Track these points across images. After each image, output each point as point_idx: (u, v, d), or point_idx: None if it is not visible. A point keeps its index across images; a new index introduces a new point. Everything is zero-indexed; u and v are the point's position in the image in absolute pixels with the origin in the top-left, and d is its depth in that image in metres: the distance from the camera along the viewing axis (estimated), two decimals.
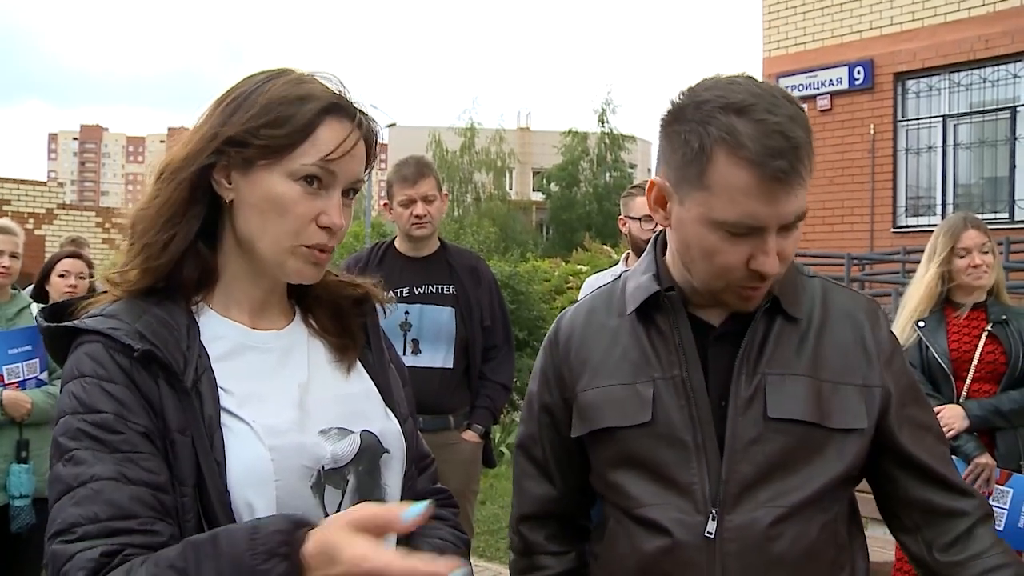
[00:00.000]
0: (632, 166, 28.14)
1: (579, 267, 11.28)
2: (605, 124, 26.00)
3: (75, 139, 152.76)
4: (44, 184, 14.10)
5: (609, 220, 24.54)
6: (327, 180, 0.97)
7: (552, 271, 11.08)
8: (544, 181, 27.59)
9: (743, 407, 1.11)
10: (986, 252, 2.85)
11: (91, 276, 3.59)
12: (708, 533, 1.10)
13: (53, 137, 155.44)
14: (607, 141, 26.16)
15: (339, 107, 0.98)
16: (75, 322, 0.95)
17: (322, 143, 0.95)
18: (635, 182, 3.47)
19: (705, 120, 1.04)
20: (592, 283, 3.24)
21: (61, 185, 15.94)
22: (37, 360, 3.04)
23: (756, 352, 1.13)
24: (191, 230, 0.97)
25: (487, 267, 3.18)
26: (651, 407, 1.14)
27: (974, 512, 1.17)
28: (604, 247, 12.69)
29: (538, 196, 29.42)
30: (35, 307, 3.14)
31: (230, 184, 0.97)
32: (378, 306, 1.14)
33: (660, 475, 1.14)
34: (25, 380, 3.00)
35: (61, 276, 3.51)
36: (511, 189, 29.87)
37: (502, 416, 5.32)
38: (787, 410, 1.10)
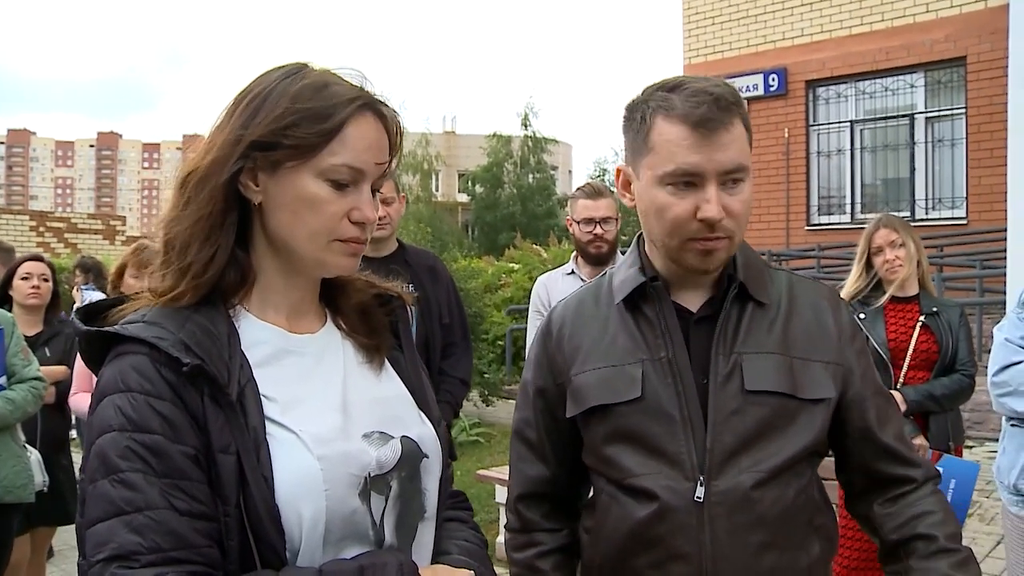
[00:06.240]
0: (554, 168, 28.54)
1: (511, 265, 11.49)
2: (528, 127, 26.31)
3: (1, 143, 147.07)
4: None
5: (532, 220, 24.78)
6: (356, 177, 0.96)
7: (486, 269, 11.26)
8: (469, 183, 27.69)
9: (723, 382, 1.20)
10: (900, 246, 3.10)
11: (54, 279, 3.53)
12: (697, 498, 1.17)
13: None
14: (530, 144, 26.46)
15: (365, 104, 0.96)
16: (116, 328, 0.92)
17: (351, 140, 0.94)
18: (579, 185, 3.45)
19: (645, 99, 1.21)
20: (544, 281, 3.33)
21: None
22: None
23: (732, 334, 1.23)
24: (231, 238, 0.95)
25: (444, 267, 3.23)
26: (640, 385, 1.21)
27: (920, 479, 1.27)
28: (535, 247, 12.96)
29: (463, 197, 29.49)
30: None
31: (257, 186, 0.95)
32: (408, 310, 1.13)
33: (650, 447, 1.20)
34: None
35: (24, 279, 3.45)
36: (437, 191, 29.83)
37: None
38: (763, 383, 1.20)
